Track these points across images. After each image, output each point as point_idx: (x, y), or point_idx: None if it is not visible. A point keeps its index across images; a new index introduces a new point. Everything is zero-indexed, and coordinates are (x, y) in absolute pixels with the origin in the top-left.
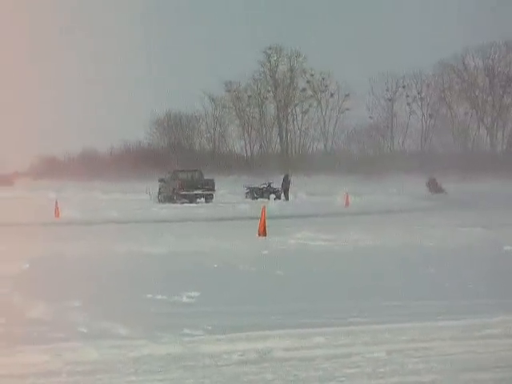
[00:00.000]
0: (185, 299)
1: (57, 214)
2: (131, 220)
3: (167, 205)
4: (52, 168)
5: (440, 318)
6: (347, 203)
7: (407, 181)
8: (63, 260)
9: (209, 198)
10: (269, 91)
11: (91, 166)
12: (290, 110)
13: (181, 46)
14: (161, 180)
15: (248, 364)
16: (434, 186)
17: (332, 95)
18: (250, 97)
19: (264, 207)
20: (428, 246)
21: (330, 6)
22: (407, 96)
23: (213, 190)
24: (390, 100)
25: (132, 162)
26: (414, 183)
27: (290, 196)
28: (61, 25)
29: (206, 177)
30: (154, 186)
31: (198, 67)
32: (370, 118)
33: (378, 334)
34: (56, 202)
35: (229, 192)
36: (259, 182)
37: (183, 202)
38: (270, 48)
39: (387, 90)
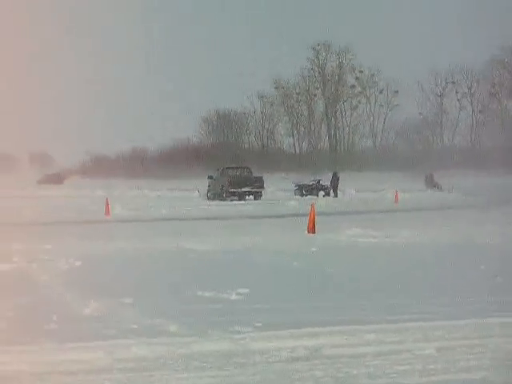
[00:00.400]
0: (234, 296)
1: (107, 212)
2: (180, 217)
3: (216, 202)
4: (102, 166)
5: (493, 315)
6: (396, 200)
7: (456, 176)
8: (114, 257)
9: (257, 196)
10: (317, 88)
11: (141, 164)
12: (338, 107)
13: (229, 45)
14: (210, 177)
15: (298, 361)
16: (431, 182)
17: (381, 92)
18: (298, 94)
19: (313, 204)
20: (481, 243)
21: (379, 2)
22: (457, 92)
23: (262, 187)
24: (439, 96)
25: (181, 159)
26: (464, 179)
27: (339, 193)
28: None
29: (254, 174)
30: (203, 184)
31: (247, 65)
32: (420, 114)
33: (429, 331)
34: (106, 200)
35: (277, 189)
36: (308, 179)
37: (232, 200)
38: (318, 44)
39: (436, 86)
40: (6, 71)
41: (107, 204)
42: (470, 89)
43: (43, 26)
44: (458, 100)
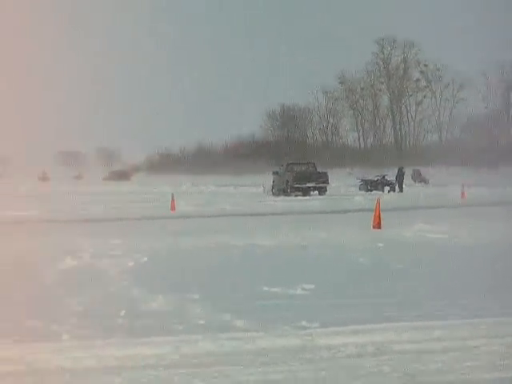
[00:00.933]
0: (300, 291)
1: (173, 207)
2: (245, 213)
3: (281, 197)
4: (168, 163)
5: None
6: (463, 195)
7: None
8: (181, 253)
9: (322, 191)
10: (382, 83)
11: (206, 160)
12: (403, 102)
13: (294, 40)
14: (275, 173)
15: (365, 356)
16: (418, 176)
17: (446, 86)
18: (362, 89)
19: (378, 199)
20: None
21: None
22: None
23: (326, 182)
24: (506, 89)
25: (246, 155)
26: None
27: (405, 188)
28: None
29: (319, 169)
30: (268, 180)
31: (311, 60)
32: (486, 108)
33: (498, 327)
34: (172, 196)
35: (342, 184)
36: (373, 174)
37: (297, 195)
38: (383, 39)
39: (503, 79)
40: (75, 71)
41: (173, 200)
42: None
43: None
44: None
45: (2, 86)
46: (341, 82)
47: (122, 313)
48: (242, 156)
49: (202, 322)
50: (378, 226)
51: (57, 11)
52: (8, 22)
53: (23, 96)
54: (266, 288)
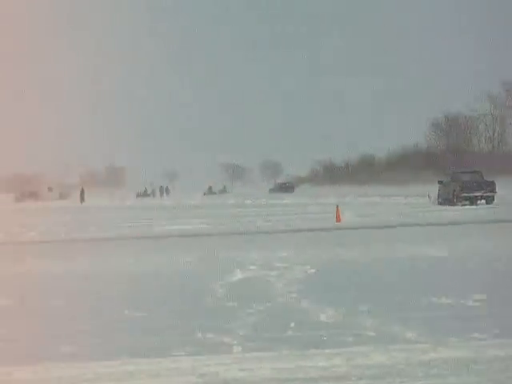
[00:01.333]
0: (471, 303)
1: (338, 218)
2: (410, 223)
3: (447, 207)
4: (331, 174)
5: None
6: None
7: None
8: (347, 264)
9: (489, 200)
10: None
11: (369, 170)
12: None
13: (453, 50)
14: (440, 182)
15: None
16: None
17: None
18: None
19: None
20: None
21: None
22: None
23: (494, 191)
24: None
25: (409, 165)
26: None
27: None
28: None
29: (485, 178)
30: (433, 189)
31: (477, 67)
32: None
33: None
34: (337, 207)
35: (509, 193)
36: None
37: (464, 205)
38: None
39: None
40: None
41: (337, 211)
42: None
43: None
44: None
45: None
46: (507, 90)
47: (291, 324)
48: (405, 166)
49: (371, 333)
50: None
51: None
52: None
53: (189, 114)
54: (434, 299)
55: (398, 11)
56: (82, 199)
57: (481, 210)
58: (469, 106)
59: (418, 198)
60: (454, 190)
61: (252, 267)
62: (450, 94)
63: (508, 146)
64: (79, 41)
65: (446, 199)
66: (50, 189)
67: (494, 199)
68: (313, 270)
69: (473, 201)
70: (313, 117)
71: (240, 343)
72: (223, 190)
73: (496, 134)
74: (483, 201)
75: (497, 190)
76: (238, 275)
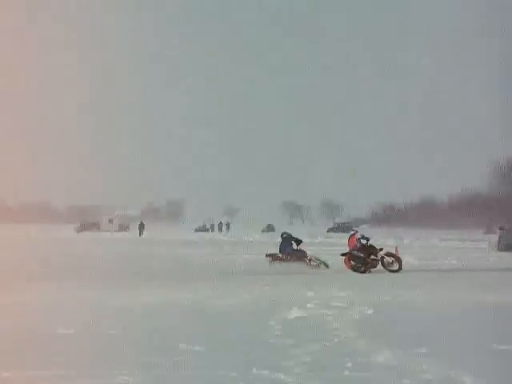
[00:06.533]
0: None
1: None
2: (470, 268)
3: (507, 253)
4: (391, 215)
5: None
6: None
7: None
8: (405, 305)
9: None
10: None
11: (429, 213)
12: None
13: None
14: (501, 228)
15: None
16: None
17: None
18: None
19: None
20: None
21: None
22: None
23: None
24: None
25: (470, 209)
26: None
27: None
28: None
29: None
30: (494, 235)
31: None
32: None
33: None
34: (396, 249)
35: None
36: None
37: None
38: None
39: None
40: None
41: (397, 252)
42: None
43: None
44: None
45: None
46: None
47: (348, 364)
48: (466, 210)
49: (429, 377)
50: None
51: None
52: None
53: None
54: (494, 345)
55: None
56: (141, 232)
57: None
58: None
59: (477, 243)
60: None
61: (309, 305)
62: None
63: None
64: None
65: (507, 244)
66: (110, 220)
67: None
68: (370, 311)
69: None
70: (370, 156)
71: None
72: (270, 228)
73: None
74: None
75: None
76: (296, 313)
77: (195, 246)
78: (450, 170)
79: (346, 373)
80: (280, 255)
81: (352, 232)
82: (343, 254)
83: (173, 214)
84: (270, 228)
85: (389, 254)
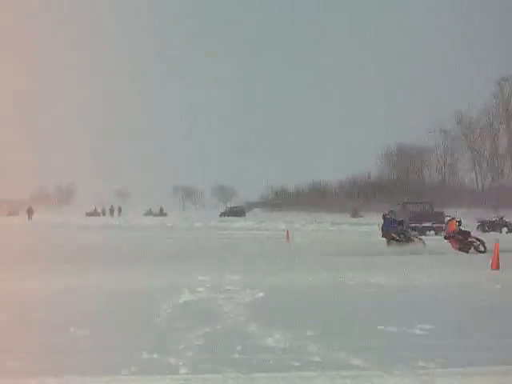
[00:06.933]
0: (418, 331)
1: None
2: (359, 253)
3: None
4: (282, 200)
5: None
6: None
7: None
8: (291, 289)
9: (438, 231)
10: (501, 123)
11: (320, 198)
12: None
13: (406, 82)
14: (390, 212)
15: None
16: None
17: None
18: (481, 128)
19: (497, 242)
20: None
21: None
22: None
23: (443, 222)
24: None
25: (361, 194)
26: None
27: None
28: None
29: (435, 209)
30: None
31: (430, 99)
32: None
33: None
34: (287, 232)
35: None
36: (490, 216)
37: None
38: (503, 79)
39: None
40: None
41: (288, 235)
42: None
43: None
44: None
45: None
46: (458, 122)
47: (238, 347)
48: (357, 195)
49: (318, 359)
50: (496, 267)
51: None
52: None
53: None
54: (381, 327)
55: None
56: (30, 216)
57: (428, 240)
58: (421, 138)
59: (367, 227)
60: (403, 220)
61: (200, 289)
62: (403, 125)
63: (458, 178)
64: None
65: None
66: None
67: (443, 230)
68: (261, 294)
69: (421, 231)
70: (265, 144)
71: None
72: (161, 213)
73: (447, 166)
74: (432, 231)
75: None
76: (187, 297)
77: (86, 229)
78: (340, 154)
79: (237, 356)
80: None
81: (449, 217)
82: (445, 238)
83: (64, 199)
84: (161, 212)
85: (476, 239)
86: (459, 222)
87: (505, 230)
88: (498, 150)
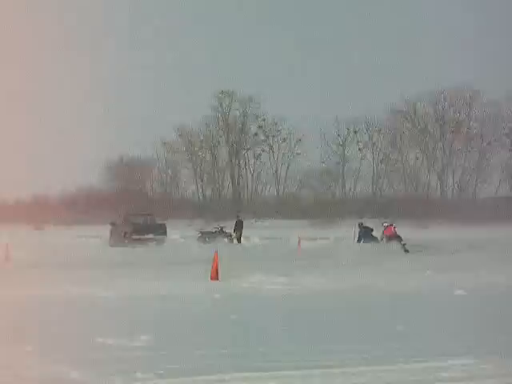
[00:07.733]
0: (137, 343)
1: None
2: (82, 264)
3: (119, 249)
4: (3, 212)
5: None
6: (299, 247)
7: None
8: None
9: (160, 242)
10: (221, 136)
11: (43, 210)
12: (242, 155)
13: (133, 91)
14: (112, 224)
15: None
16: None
17: (284, 140)
18: (202, 141)
19: (216, 251)
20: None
21: (283, 52)
22: (359, 142)
23: (165, 234)
24: (341, 145)
25: (84, 206)
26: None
27: (243, 240)
28: None
29: (158, 221)
30: (107, 230)
31: (151, 112)
32: (322, 162)
33: None
34: (6, 246)
35: (181, 236)
36: (212, 226)
37: (134, 246)
38: (221, 92)
39: (339, 135)
40: None
41: (7, 250)
42: (370, 138)
43: None
44: (360, 149)
45: None
46: (180, 135)
47: None
48: (80, 206)
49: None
50: (215, 277)
51: None
52: None
53: None
54: (101, 340)
55: None
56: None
57: (150, 252)
58: (143, 150)
59: (91, 239)
60: (126, 232)
61: None
62: (125, 137)
63: (180, 189)
64: None
65: (117, 240)
66: None
67: (164, 241)
68: None
69: (144, 243)
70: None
71: None
72: None
73: (168, 178)
74: (155, 243)
75: (168, 232)
76: None
77: None
78: (63, 166)
79: None
80: None
81: (387, 224)
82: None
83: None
84: None
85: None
86: (395, 227)
87: (225, 240)
88: (218, 162)
